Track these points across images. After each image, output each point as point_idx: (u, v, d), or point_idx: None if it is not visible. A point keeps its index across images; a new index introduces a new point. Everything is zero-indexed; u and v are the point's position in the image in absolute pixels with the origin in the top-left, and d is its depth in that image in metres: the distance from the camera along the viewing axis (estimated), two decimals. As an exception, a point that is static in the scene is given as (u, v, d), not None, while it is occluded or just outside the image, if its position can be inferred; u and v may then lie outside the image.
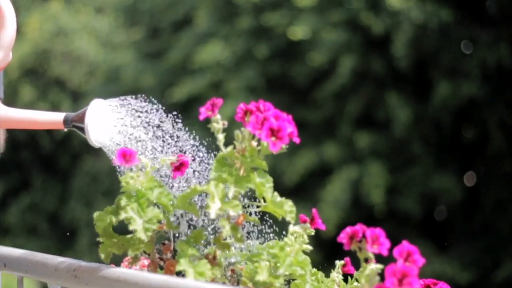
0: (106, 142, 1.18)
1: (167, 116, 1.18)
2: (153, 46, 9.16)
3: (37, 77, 10.99)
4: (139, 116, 1.19)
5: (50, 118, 1.24)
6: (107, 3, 10.88)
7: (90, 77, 10.73)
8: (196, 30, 8.45)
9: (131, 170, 1.08)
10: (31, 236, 10.19)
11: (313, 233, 1.11)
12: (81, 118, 1.19)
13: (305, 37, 7.58)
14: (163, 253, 1.11)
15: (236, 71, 7.92)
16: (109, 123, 1.18)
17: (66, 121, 1.22)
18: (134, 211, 1.05)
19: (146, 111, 1.19)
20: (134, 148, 1.15)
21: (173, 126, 1.16)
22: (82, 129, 1.19)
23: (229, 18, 8.23)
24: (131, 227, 1.04)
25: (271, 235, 1.14)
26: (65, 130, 1.24)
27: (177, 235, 1.11)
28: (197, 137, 1.16)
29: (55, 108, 10.79)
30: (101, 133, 1.17)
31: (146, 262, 1.12)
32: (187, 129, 1.17)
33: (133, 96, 1.20)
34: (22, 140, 11.01)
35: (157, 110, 1.18)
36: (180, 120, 1.18)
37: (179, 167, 1.15)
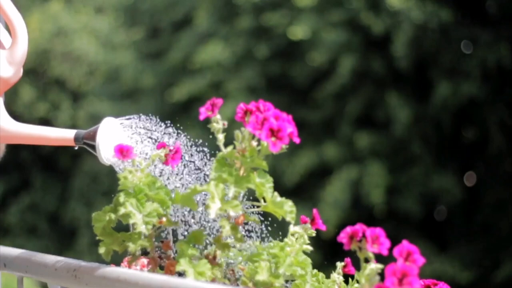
0: (117, 160, 1.20)
1: (177, 135, 1.18)
2: (153, 46, 9.16)
3: (37, 77, 10.99)
4: (149, 136, 1.20)
5: (61, 135, 1.25)
6: (107, 3, 10.88)
7: (90, 77, 10.73)
8: (196, 30, 8.45)
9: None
10: (31, 236, 10.19)
11: (314, 234, 1.11)
12: (93, 136, 1.21)
13: (305, 37, 7.58)
14: (163, 250, 1.11)
15: (236, 71, 7.92)
16: (119, 142, 1.19)
17: (77, 138, 1.23)
18: (133, 206, 1.06)
19: (156, 131, 1.20)
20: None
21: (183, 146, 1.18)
22: (93, 147, 1.21)
23: (229, 18, 8.23)
24: (131, 221, 1.05)
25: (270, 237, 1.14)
26: (76, 147, 1.25)
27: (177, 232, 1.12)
28: (205, 153, 1.17)
29: (55, 108, 10.80)
30: (111, 151, 1.18)
31: (145, 261, 1.12)
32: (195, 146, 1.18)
33: (145, 116, 1.21)
34: (22, 140, 10.99)
35: (166, 129, 1.19)
36: (186, 138, 1.19)
37: (174, 155, 1.15)
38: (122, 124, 1.22)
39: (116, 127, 1.21)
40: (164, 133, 1.19)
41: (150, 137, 1.20)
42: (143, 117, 1.21)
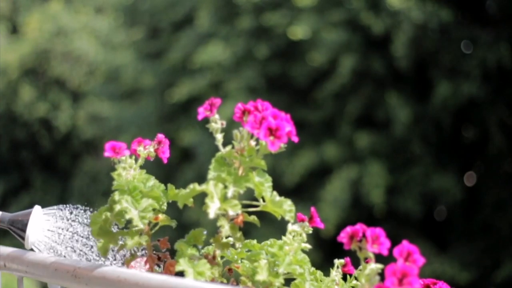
0: (40, 246, 1.23)
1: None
2: (153, 46, 9.16)
3: (37, 77, 10.99)
4: (70, 230, 1.24)
5: None
6: (107, 3, 10.89)
7: (90, 77, 10.73)
8: (196, 30, 8.45)
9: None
10: (31, 236, 10.17)
11: (311, 231, 1.11)
12: (22, 225, 1.24)
13: (305, 37, 7.58)
14: (160, 248, 1.11)
15: (236, 71, 7.92)
16: (43, 229, 1.23)
17: (1, 221, 1.26)
18: (129, 203, 1.06)
19: (78, 221, 1.23)
20: (64, 252, 1.21)
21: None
22: (18, 233, 1.24)
23: (229, 18, 8.23)
24: (127, 217, 1.05)
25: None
26: None
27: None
28: None
29: (55, 108, 10.80)
30: (35, 239, 1.23)
31: (143, 260, 1.12)
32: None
33: (70, 206, 1.25)
34: (22, 140, 11.02)
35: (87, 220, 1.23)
36: None
37: (161, 148, 1.16)
38: (46, 214, 1.25)
39: (42, 217, 1.24)
40: (85, 224, 1.23)
41: (72, 232, 1.23)
42: (68, 207, 1.24)
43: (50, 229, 1.24)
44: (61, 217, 1.24)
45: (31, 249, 1.24)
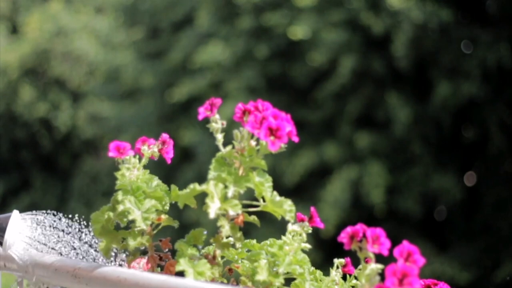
0: (15, 251, 1.23)
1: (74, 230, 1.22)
2: (153, 46, 9.15)
3: (37, 77, 10.99)
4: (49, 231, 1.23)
5: None
6: (107, 3, 10.88)
7: (90, 77, 10.73)
8: (196, 30, 8.45)
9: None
10: (31, 236, 10.17)
11: (310, 231, 1.11)
12: (1, 229, 1.23)
13: (305, 37, 7.58)
14: (162, 248, 1.11)
15: (236, 71, 7.92)
16: (19, 234, 1.23)
17: None
18: (132, 203, 1.06)
19: (56, 227, 1.23)
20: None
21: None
22: None
23: (229, 18, 8.22)
24: (130, 217, 1.05)
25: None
26: None
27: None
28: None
29: (55, 108, 10.80)
30: (13, 244, 1.22)
31: (144, 260, 1.12)
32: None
33: (47, 213, 1.24)
34: (22, 140, 11.02)
35: (68, 227, 1.22)
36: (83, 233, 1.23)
37: (166, 148, 1.16)
38: (24, 219, 1.24)
39: (19, 222, 1.23)
40: (69, 233, 1.22)
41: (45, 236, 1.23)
42: (45, 214, 1.24)
43: (27, 234, 1.23)
44: (39, 223, 1.24)
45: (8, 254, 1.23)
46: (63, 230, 1.23)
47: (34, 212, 1.25)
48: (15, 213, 1.24)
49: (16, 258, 1.21)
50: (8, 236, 1.22)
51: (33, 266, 1.16)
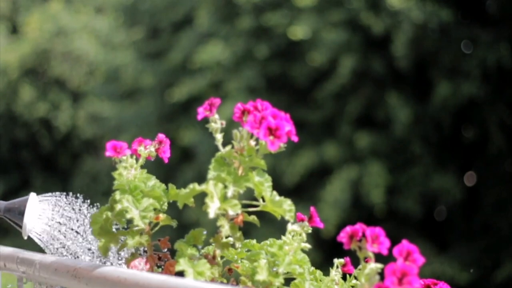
0: (35, 233, 1.22)
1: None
2: (153, 46, 9.15)
3: (37, 77, 10.99)
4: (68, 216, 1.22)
5: None
6: (107, 3, 10.88)
7: (90, 77, 10.73)
8: (196, 30, 8.45)
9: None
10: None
11: (310, 231, 1.11)
12: (19, 213, 1.22)
13: (305, 37, 7.58)
14: (161, 248, 1.11)
15: (236, 71, 7.92)
16: (38, 216, 1.22)
17: None
18: (130, 202, 1.06)
19: (73, 209, 1.22)
20: (57, 238, 1.21)
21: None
22: (15, 222, 1.23)
23: (229, 18, 8.22)
24: (128, 216, 1.05)
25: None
26: None
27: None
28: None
29: (55, 108, 10.80)
30: (33, 227, 1.21)
31: (143, 260, 1.12)
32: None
33: (64, 194, 1.23)
34: (22, 140, 11.02)
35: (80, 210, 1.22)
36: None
37: (162, 148, 1.16)
38: (41, 201, 1.23)
39: (37, 205, 1.23)
40: (80, 211, 1.22)
41: (68, 216, 1.22)
42: (63, 196, 1.23)
43: (47, 216, 1.22)
44: (57, 205, 1.23)
45: (29, 237, 1.23)
46: (79, 210, 1.23)
47: (51, 194, 1.24)
48: (33, 195, 1.23)
49: (37, 241, 1.21)
50: (27, 219, 1.21)
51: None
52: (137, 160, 1.13)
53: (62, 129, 10.73)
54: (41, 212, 1.23)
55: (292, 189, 7.24)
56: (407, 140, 7.40)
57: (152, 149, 1.16)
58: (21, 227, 1.22)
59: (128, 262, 1.11)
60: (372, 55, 7.50)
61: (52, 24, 10.96)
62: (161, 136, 1.17)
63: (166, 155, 1.17)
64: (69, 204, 1.23)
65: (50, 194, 1.24)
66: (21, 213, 1.22)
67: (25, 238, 1.23)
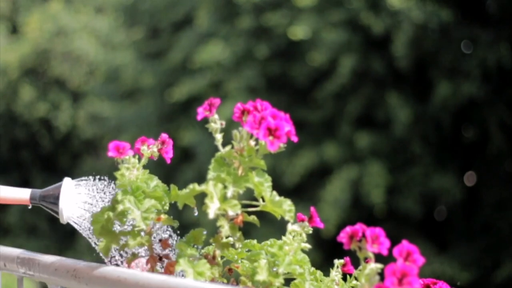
0: (74, 219, 1.21)
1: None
2: (153, 46, 9.16)
3: (37, 77, 11.00)
4: (102, 198, 1.22)
5: (15, 196, 1.25)
6: (107, 3, 10.89)
7: (90, 77, 10.73)
8: (196, 30, 8.45)
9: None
10: (31, 236, 10.19)
11: (311, 231, 1.11)
12: (54, 199, 1.21)
13: (305, 37, 7.58)
14: (162, 248, 1.11)
15: (236, 71, 7.92)
16: (75, 201, 1.21)
17: (33, 198, 1.24)
18: (131, 203, 1.06)
19: (108, 192, 1.21)
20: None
21: None
22: (52, 209, 1.22)
23: (229, 18, 8.23)
24: (129, 217, 1.05)
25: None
26: (30, 206, 1.26)
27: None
28: None
29: (55, 108, 10.80)
30: (70, 212, 1.20)
31: (144, 260, 1.12)
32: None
33: (98, 177, 1.22)
34: (22, 140, 11.02)
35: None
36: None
37: (165, 148, 1.16)
38: (77, 185, 1.22)
39: (73, 189, 1.22)
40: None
41: (103, 200, 1.21)
42: (96, 179, 1.22)
43: (83, 200, 1.22)
44: (92, 188, 1.22)
45: (68, 223, 1.22)
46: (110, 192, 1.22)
47: (85, 178, 1.23)
48: (67, 180, 1.23)
49: (76, 226, 1.21)
50: (62, 204, 1.20)
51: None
52: (139, 160, 1.13)
53: (62, 129, 10.73)
54: (77, 197, 1.22)
55: (292, 189, 7.24)
56: (407, 140, 7.41)
57: (155, 149, 1.15)
58: (57, 213, 1.21)
59: (128, 262, 1.11)
60: (372, 55, 7.50)
61: (52, 24, 10.96)
62: (164, 136, 1.17)
63: (168, 155, 1.16)
64: (103, 186, 1.22)
65: (85, 177, 1.23)
66: (56, 199, 1.21)
67: (64, 223, 1.22)
